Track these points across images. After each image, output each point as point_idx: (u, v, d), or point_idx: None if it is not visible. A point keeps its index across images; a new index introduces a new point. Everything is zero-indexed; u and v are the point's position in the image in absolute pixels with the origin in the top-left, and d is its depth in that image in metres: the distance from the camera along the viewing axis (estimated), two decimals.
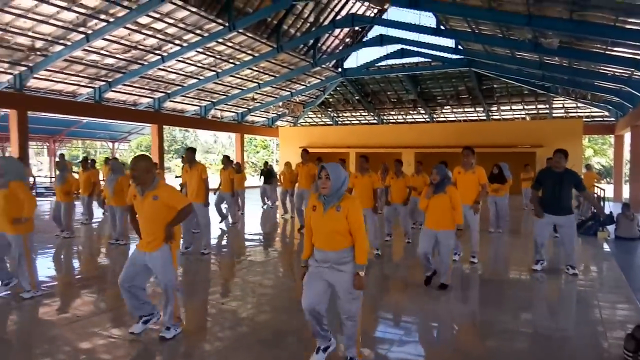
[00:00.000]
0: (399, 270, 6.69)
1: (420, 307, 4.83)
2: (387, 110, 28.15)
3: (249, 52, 18.36)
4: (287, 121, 30.29)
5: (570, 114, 24.12)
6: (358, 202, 3.15)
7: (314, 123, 31.34)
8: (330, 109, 29.46)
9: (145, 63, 16.86)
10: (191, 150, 7.31)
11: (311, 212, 3.16)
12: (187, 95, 21.23)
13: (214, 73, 19.32)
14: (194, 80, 19.61)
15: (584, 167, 16.92)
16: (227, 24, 15.32)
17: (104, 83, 17.56)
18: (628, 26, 10.88)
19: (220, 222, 10.44)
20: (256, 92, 23.12)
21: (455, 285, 5.56)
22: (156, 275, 3.72)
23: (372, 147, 24.11)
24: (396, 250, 8.06)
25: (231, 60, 18.75)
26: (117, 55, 16.02)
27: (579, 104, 22.66)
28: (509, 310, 4.78)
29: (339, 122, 30.54)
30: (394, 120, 29.05)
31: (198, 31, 15.68)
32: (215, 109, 23.76)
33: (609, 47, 12.82)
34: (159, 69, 17.71)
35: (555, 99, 22.75)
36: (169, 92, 20.12)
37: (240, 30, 16.28)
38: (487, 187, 6.81)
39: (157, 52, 16.47)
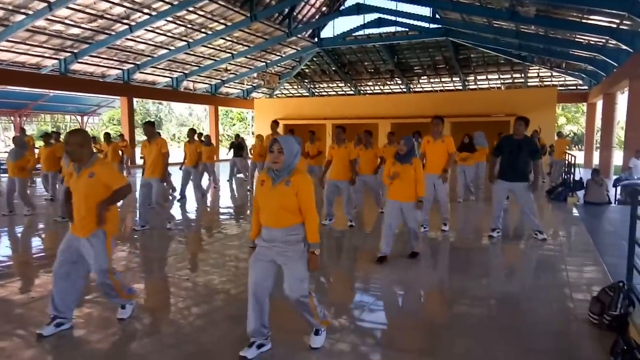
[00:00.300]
0: (368, 241, 6.66)
1: (389, 276, 4.83)
2: (364, 81, 27.91)
3: (222, 21, 17.79)
4: (262, 93, 29.80)
5: (545, 83, 24.33)
6: (309, 177, 2.99)
7: (290, 95, 30.91)
8: (306, 80, 29.04)
9: (113, 33, 16.23)
10: (149, 124, 6.94)
11: (259, 187, 2.99)
12: (158, 66, 20.60)
13: (185, 43, 18.75)
14: (165, 51, 19.00)
15: (555, 135, 17.14)
16: None
17: (69, 54, 16.88)
18: None
19: (202, 197, 10.22)
20: (230, 63, 22.56)
21: (425, 253, 5.58)
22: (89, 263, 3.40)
23: (349, 118, 23.92)
24: (368, 220, 8.07)
25: (203, 30, 18.17)
26: (83, 25, 15.34)
27: (554, 73, 22.84)
28: (476, 276, 4.80)
29: (316, 94, 30.19)
30: (371, 91, 28.86)
31: None
32: (188, 80, 23.17)
33: (585, 15, 12.84)
34: (128, 39, 17.08)
35: (530, 68, 22.87)
36: (138, 63, 19.49)
37: None
38: (456, 156, 6.77)
39: (125, 21, 15.83)
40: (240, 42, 20.53)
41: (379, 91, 28.38)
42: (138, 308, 3.81)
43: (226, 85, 25.79)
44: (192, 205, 9.70)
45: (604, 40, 14.31)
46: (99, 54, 17.63)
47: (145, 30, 16.79)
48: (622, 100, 17.22)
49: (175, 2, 15.18)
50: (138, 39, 17.58)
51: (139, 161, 12.51)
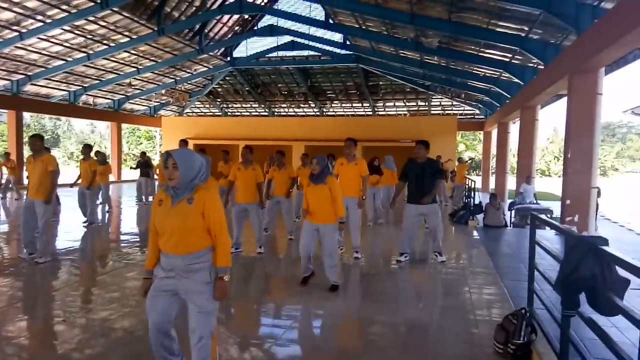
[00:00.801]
0: (281, 267, 6.36)
1: (301, 305, 4.55)
2: (278, 102, 27.90)
3: (126, 33, 16.80)
4: (172, 111, 28.61)
5: (447, 112, 25.95)
6: (215, 192, 2.65)
7: (202, 114, 30.01)
8: (219, 100, 28.39)
9: (0, 40, 14.59)
10: (37, 137, 6.09)
11: (156, 207, 2.59)
12: (53, 78, 18.97)
13: (85, 55, 17.41)
14: (60, 62, 17.53)
15: (456, 160, 18.19)
16: (99, 1, 13.79)
17: None
18: (499, 29, 11.74)
19: (85, 222, 9.25)
20: (135, 78, 21.36)
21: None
22: None
23: (263, 140, 23.63)
24: (279, 246, 7.77)
25: (105, 42, 17.02)
26: None
27: (454, 102, 24.44)
28: (387, 302, 4.70)
29: (229, 113, 29.60)
30: (285, 113, 28.88)
31: (64, 7, 13.94)
32: (87, 94, 21.55)
33: (481, 49, 13.81)
34: (17, 47, 15.51)
35: (433, 97, 24.27)
36: (30, 74, 17.75)
37: (115, 9, 14.80)
38: (367, 180, 6.76)
39: (15, 27, 14.34)
40: (146, 57, 19.52)
41: (293, 113, 28.49)
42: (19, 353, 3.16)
43: (131, 101, 24.38)
44: (82, 231, 8.75)
45: (498, 73, 15.51)
46: None
47: (39, 38, 15.38)
48: (514, 129, 18.74)
49: (73, 11, 14.05)
50: (30, 48, 16.03)
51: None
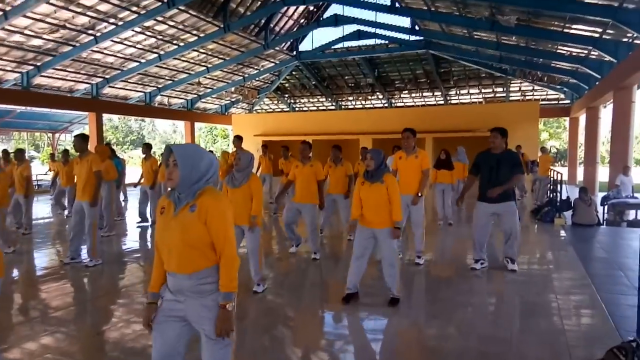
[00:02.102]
0: (337, 274, 5.88)
1: (357, 324, 4.03)
2: (345, 95, 27.37)
3: (194, 32, 17.05)
4: (242, 108, 29.06)
5: (527, 97, 24.00)
6: (225, 200, 2.19)
7: (271, 110, 30.24)
8: (286, 95, 28.41)
9: (77, 44, 15.36)
10: (80, 138, 6.06)
11: (159, 216, 2.19)
12: (129, 80, 19.74)
13: (157, 55, 17.93)
14: (135, 64, 18.16)
15: (539, 150, 16.64)
16: (165, 0, 14.04)
17: (32, 67, 15.94)
18: (588, 0, 10.40)
19: (139, 222, 9.28)
20: (205, 77, 21.80)
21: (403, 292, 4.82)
22: None
23: (330, 134, 23.31)
24: (336, 248, 7.26)
25: (174, 42, 17.39)
26: (44, 36, 14.45)
27: (536, 87, 22.52)
28: (458, 323, 4.02)
29: (296, 109, 29.55)
30: (352, 106, 28.31)
31: (134, 8, 14.28)
32: (162, 95, 22.32)
33: (567, 25, 12.40)
34: (95, 51, 16.25)
35: (512, 82, 22.53)
36: (107, 77, 18.60)
37: (182, 8, 15.01)
38: (430, 173, 6.02)
39: (90, 31, 14.99)
40: (215, 55, 19.79)
41: (361, 106, 27.84)
42: None
43: (203, 100, 24.99)
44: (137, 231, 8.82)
45: (586, 51, 13.92)
46: (64, 67, 16.73)
47: (113, 41, 15.98)
48: (604, 115, 16.86)
49: (142, 12, 14.41)
50: (106, 51, 16.73)
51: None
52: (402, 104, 26.94)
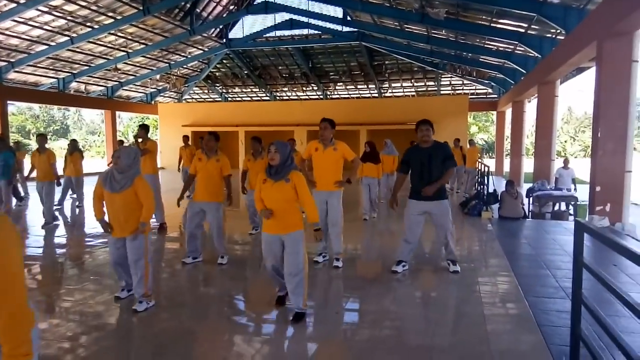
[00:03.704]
0: (248, 281, 5.27)
1: (257, 344, 3.46)
2: (279, 86, 26.65)
3: (110, 14, 15.63)
4: (170, 97, 27.54)
5: (457, 91, 24.49)
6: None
7: (201, 100, 28.92)
8: (217, 84, 27.23)
9: None
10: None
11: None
12: (39, 65, 17.89)
13: (68, 38, 16.31)
14: (43, 47, 16.42)
15: (468, 143, 16.90)
16: None
17: None
18: None
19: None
20: (126, 63, 20.25)
21: (313, 294, 4.30)
22: None
23: (263, 125, 22.61)
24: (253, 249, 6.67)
25: (88, 24, 15.87)
26: None
27: (465, 81, 22.98)
28: (379, 328, 3.59)
29: (229, 99, 28.45)
30: (286, 97, 27.65)
31: None
32: (78, 81, 20.51)
33: (494, 19, 12.45)
34: None
35: (443, 76, 22.85)
36: (12, 60, 16.70)
37: None
38: (358, 161, 5.48)
39: None
40: (135, 40, 18.36)
41: (295, 97, 27.25)
42: None
43: (125, 87, 23.30)
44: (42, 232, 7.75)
45: (512, 47, 14.14)
46: None
47: (16, 22, 14.29)
48: (529, 109, 17.37)
49: None
50: (8, 32, 14.95)
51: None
52: (337, 96, 26.65)
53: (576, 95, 76.01)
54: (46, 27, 15.35)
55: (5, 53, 16.25)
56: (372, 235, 7.78)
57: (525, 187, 13.79)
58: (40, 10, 14.10)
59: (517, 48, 13.81)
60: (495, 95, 22.82)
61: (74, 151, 10.13)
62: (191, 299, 4.43)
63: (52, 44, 16.47)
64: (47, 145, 8.35)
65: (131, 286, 4.12)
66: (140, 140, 7.38)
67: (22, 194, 11.69)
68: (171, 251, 6.53)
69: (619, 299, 2.10)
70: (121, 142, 13.04)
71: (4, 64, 16.75)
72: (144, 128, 7.34)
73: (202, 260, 5.64)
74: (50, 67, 18.64)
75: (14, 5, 13.23)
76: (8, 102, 18.10)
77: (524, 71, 14.26)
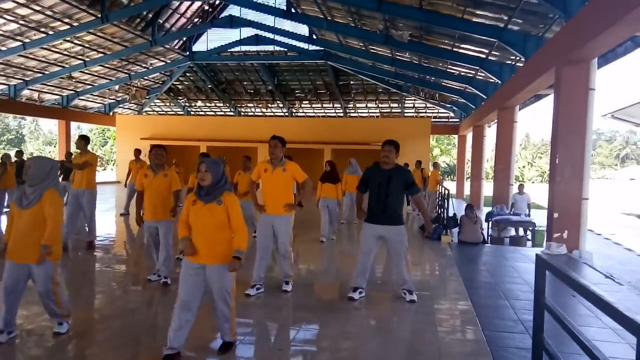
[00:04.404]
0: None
1: None
2: (244, 101, 26.31)
3: (66, 20, 14.98)
4: (130, 109, 26.71)
5: (420, 114, 24.79)
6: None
7: (163, 112, 28.18)
8: (180, 98, 26.61)
9: None
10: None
11: None
12: None
13: (20, 44, 15.52)
14: None
15: (431, 165, 17.00)
16: None
17: None
18: (475, 19, 10.51)
19: None
20: (83, 72, 19.50)
21: (255, 332, 3.92)
22: None
23: (226, 140, 22.17)
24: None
25: (42, 29, 15.16)
26: None
27: (428, 104, 23.29)
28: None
29: (192, 113, 27.84)
30: (252, 113, 27.29)
31: None
32: (31, 89, 19.57)
33: (456, 44, 12.59)
34: None
35: (406, 98, 23.09)
36: None
37: None
38: (309, 183, 5.08)
39: None
40: (93, 48, 17.69)
41: (261, 113, 26.92)
42: None
43: (82, 97, 22.42)
44: None
45: (474, 72, 14.35)
46: None
47: None
48: (489, 133, 17.66)
49: None
50: None
51: None
52: (302, 114, 26.50)
53: (533, 121, 79.09)
54: None
55: None
56: (329, 258, 7.47)
57: (485, 210, 13.87)
58: None
59: (478, 73, 14.02)
60: (457, 119, 23.20)
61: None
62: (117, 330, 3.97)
63: (3, 48, 15.67)
64: None
65: (11, 327, 3.53)
66: (77, 152, 6.88)
67: None
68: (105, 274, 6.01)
69: (577, 344, 1.87)
70: (69, 153, 12.28)
71: None
72: (83, 139, 6.84)
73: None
74: (1, 73, 17.70)
75: None
76: None
77: (485, 96, 14.48)
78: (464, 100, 18.10)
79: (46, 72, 18.64)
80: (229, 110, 27.02)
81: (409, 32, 12.66)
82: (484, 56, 12.39)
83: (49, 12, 14.39)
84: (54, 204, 3.44)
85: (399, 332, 4.19)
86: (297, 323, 4.28)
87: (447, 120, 24.71)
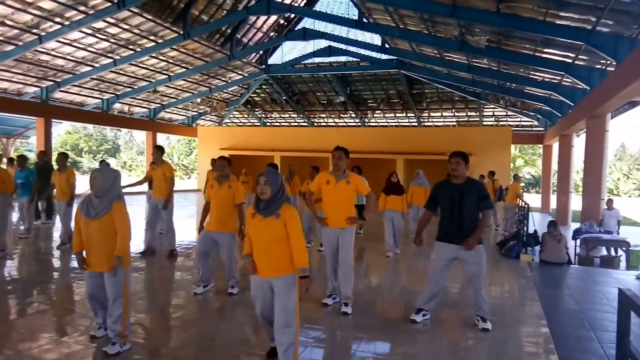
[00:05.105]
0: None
1: None
2: (317, 112, 26.55)
3: (151, 37, 16.00)
4: (211, 120, 27.97)
5: (501, 123, 23.53)
6: None
7: (241, 124, 29.21)
8: (257, 109, 27.44)
9: (20, 43, 14.12)
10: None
11: None
12: (84, 85, 18.53)
13: (111, 60, 16.79)
14: (88, 68, 16.96)
15: (512, 177, 16.00)
16: (115, 1, 12.99)
17: None
18: (559, 21, 9.74)
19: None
20: (168, 86, 20.72)
21: (306, 351, 3.77)
22: None
23: (299, 151, 22.44)
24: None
25: (130, 46, 16.30)
26: None
27: (509, 113, 22.07)
28: None
29: (267, 124, 28.59)
30: (324, 123, 27.49)
31: (82, 8, 13.19)
32: (122, 102, 21.11)
33: (538, 48, 11.78)
34: (41, 52, 15.08)
35: (485, 106, 22.05)
36: (58, 80, 17.34)
37: (136, 10, 14.01)
38: (373, 197, 4.90)
39: (34, 30, 13.80)
40: (176, 63, 18.74)
41: (333, 124, 27.04)
42: None
43: (167, 110, 23.83)
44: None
45: (559, 78, 13.34)
46: (8, 67, 15.46)
47: (61, 42, 14.82)
48: (578, 143, 16.36)
49: (91, 12, 13.30)
50: (54, 53, 15.52)
51: None
52: (375, 124, 26.24)
53: (630, 130, 72.38)
54: (90, 48, 15.85)
55: (52, 73, 16.89)
56: (393, 274, 7.16)
57: (572, 226, 12.77)
58: (84, 33, 14.56)
59: (564, 79, 13.00)
60: (542, 128, 21.74)
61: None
62: (177, 343, 4.00)
63: (96, 65, 16.99)
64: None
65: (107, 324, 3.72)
66: (152, 162, 7.18)
67: (43, 212, 11.17)
68: (181, 282, 6.17)
69: None
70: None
71: (50, 83, 17.42)
72: (159, 150, 7.14)
73: (215, 287, 5.31)
74: (95, 88, 19.26)
75: (58, 27, 13.71)
76: (53, 120, 18.76)
77: (572, 104, 13.39)
78: (548, 108, 16.89)
79: (135, 87, 20.01)
80: (302, 120, 27.42)
81: (486, 38, 12.03)
82: (570, 61, 11.45)
83: (136, 30, 15.45)
84: (122, 215, 3.57)
85: None
86: (356, 342, 4.07)
87: (530, 129, 23.24)
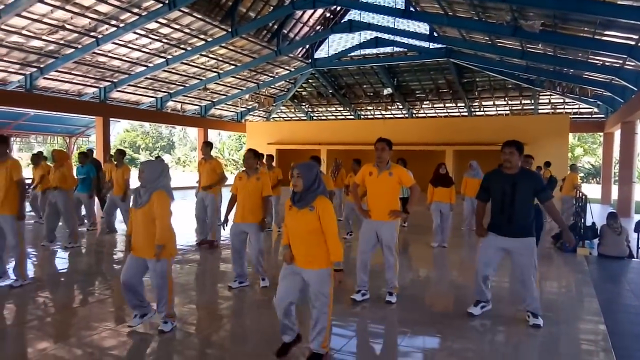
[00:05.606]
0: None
1: None
2: (364, 105, 26.36)
3: (201, 36, 16.46)
4: (259, 116, 28.44)
5: (558, 110, 22.44)
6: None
7: (288, 118, 29.52)
8: (304, 104, 27.62)
9: (79, 46, 14.92)
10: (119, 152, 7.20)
11: None
12: (139, 85, 19.34)
13: (164, 60, 17.42)
14: (142, 68, 17.68)
15: (569, 168, 15.25)
16: (166, 2, 13.45)
17: (35, 69, 15.59)
18: (621, 1, 9.16)
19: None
20: (218, 83, 21.25)
21: (354, 343, 3.78)
22: None
23: (346, 144, 22.44)
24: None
25: (181, 46, 16.84)
26: (44, 37, 14.04)
27: (567, 99, 21.00)
28: None
29: (314, 117, 28.73)
30: (371, 116, 27.28)
31: (135, 10, 13.76)
32: (174, 100, 21.87)
33: (598, 31, 11.13)
34: (99, 54, 15.84)
35: (541, 93, 21.08)
36: (115, 80, 18.19)
37: (186, 10, 14.46)
38: (417, 189, 4.77)
39: (92, 33, 14.53)
40: (225, 61, 19.17)
41: (380, 116, 26.77)
42: None
43: (218, 107, 24.47)
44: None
45: (621, 61, 12.55)
46: (69, 69, 16.38)
47: (116, 44, 15.53)
48: None
49: (144, 13, 13.85)
50: (110, 54, 16.29)
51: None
52: (423, 115, 25.74)
53: None
54: (144, 49, 16.51)
55: (109, 74, 17.73)
56: (441, 267, 7.04)
57: (636, 218, 12.05)
58: (138, 34, 15.18)
59: (627, 62, 12.21)
60: (602, 115, 20.55)
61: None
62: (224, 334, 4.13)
63: (150, 65, 17.67)
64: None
65: (143, 310, 3.95)
66: (203, 157, 7.40)
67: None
68: (217, 274, 6.36)
69: None
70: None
71: (107, 84, 18.30)
72: (207, 145, 7.35)
73: (249, 284, 5.40)
74: (149, 87, 20.05)
75: (113, 29, 14.36)
76: (111, 119, 19.74)
77: (635, 88, 12.56)
78: (609, 94, 15.94)
79: (186, 85, 20.66)
80: (348, 114, 27.34)
81: (541, 22, 11.48)
82: (633, 43, 10.73)
83: (186, 30, 15.93)
84: (161, 204, 3.73)
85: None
86: (401, 337, 4.05)
87: (590, 116, 22.02)
